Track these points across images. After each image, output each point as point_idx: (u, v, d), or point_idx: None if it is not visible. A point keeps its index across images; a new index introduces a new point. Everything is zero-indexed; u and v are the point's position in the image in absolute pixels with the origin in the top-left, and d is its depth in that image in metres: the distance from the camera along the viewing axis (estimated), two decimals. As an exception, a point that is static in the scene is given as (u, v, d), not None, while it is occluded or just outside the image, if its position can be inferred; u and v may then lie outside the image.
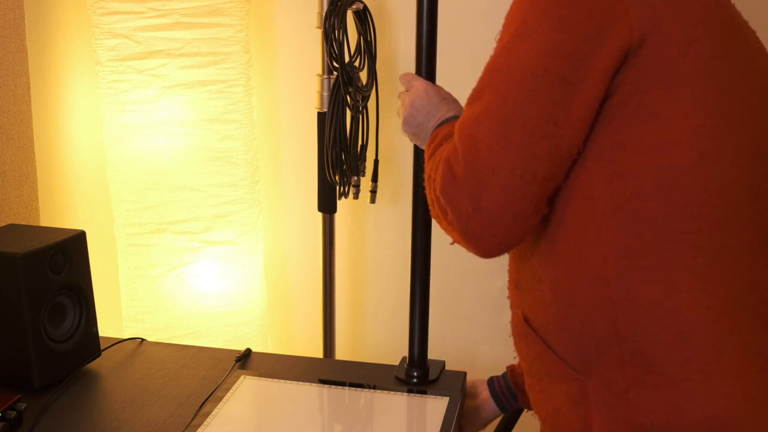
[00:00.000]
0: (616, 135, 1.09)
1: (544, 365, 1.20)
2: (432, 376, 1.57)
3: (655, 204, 1.08)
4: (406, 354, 1.59)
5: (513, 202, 1.05)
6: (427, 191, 1.21)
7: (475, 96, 1.12)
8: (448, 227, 1.13)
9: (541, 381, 1.22)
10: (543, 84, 1.05)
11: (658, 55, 1.08)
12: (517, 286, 1.24)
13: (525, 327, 1.22)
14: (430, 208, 1.19)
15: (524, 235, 1.10)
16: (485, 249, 1.10)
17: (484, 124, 1.07)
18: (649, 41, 1.07)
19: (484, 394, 1.58)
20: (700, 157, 1.08)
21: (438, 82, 1.44)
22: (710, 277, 1.08)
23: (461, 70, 2.08)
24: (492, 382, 1.59)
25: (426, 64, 1.43)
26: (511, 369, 1.57)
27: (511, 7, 1.15)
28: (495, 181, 1.05)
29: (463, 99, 1.40)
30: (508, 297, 1.29)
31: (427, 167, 1.22)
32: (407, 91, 1.37)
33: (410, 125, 1.34)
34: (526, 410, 1.61)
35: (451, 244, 1.19)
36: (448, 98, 1.33)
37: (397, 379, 1.57)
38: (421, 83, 1.35)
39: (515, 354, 1.50)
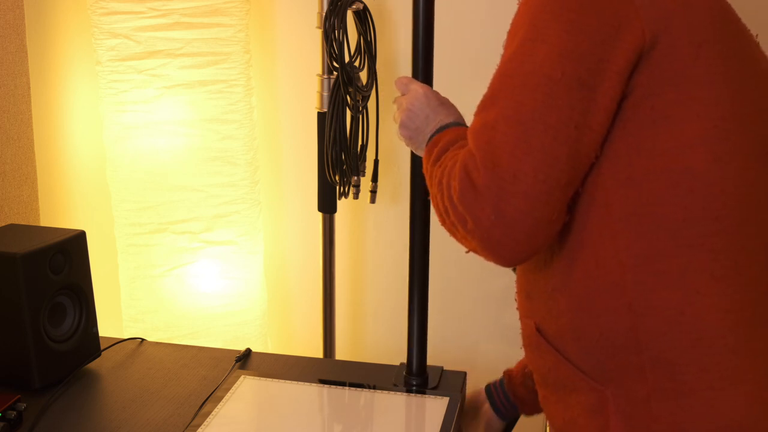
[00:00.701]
0: (630, 139, 1.08)
1: (560, 376, 1.18)
2: (432, 383, 1.56)
3: (672, 208, 1.07)
4: (404, 357, 1.58)
5: (536, 207, 1.03)
6: (435, 199, 1.18)
7: (487, 102, 1.10)
8: (466, 236, 1.10)
9: (557, 392, 1.21)
10: (560, 87, 1.04)
11: (669, 56, 1.07)
12: (528, 296, 1.23)
13: (538, 337, 1.20)
14: (441, 217, 1.16)
15: (546, 243, 1.08)
16: (507, 257, 1.08)
17: (502, 129, 1.05)
18: (661, 42, 1.07)
19: (486, 406, 1.57)
20: (714, 159, 1.07)
21: (435, 85, 1.44)
22: (729, 281, 1.07)
23: (459, 73, 2.08)
24: (491, 393, 1.56)
25: (423, 67, 1.42)
26: (509, 377, 1.56)
27: (517, 13, 1.13)
28: (517, 187, 1.03)
29: (461, 102, 1.40)
30: (517, 308, 1.28)
31: (434, 172, 1.19)
32: (404, 95, 1.36)
33: (407, 128, 1.31)
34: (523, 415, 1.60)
35: (467, 252, 1.17)
36: (446, 103, 1.32)
37: (396, 387, 1.55)
38: (419, 87, 1.34)
39: (515, 354, 1.49)
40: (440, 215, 1.16)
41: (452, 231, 1.15)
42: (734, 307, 1.07)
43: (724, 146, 1.08)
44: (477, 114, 1.12)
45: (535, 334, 1.21)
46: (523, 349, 1.29)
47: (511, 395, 1.54)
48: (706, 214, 1.07)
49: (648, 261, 1.08)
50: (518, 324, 1.33)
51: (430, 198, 1.21)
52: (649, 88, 1.07)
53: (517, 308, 1.29)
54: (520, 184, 1.03)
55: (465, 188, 1.07)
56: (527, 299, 1.23)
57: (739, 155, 1.09)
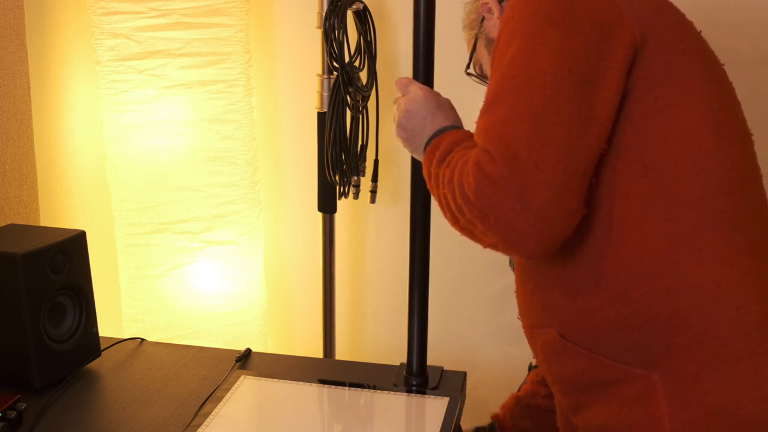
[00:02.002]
0: (640, 129, 1.13)
1: (596, 374, 1.20)
2: (432, 383, 1.55)
3: (691, 188, 1.12)
4: (404, 357, 1.58)
5: (558, 197, 1.05)
6: (444, 199, 1.17)
7: (491, 103, 1.12)
8: (486, 232, 1.10)
9: (593, 391, 1.22)
10: (567, 84, 1.08)
11: (660, 52, 1.14)
12: (546, 306, 1.23)
13: (563, 344, 1.21)
14: (453, 217, 1.16)
15: (566, 235, 1.10)
16: (531, 249, 1.08)
17: (515, 124, 1.07)
18: (650, 40, 1.13)
19: None
20: (717, 140, 1.14)
21: (436, 86, 1.43)
22: (751, 252, 1.14)
23: (460, 73, 2.08)
24: None
25: (423, 67, 1.41)
26: (498, 422, 1.58)
27: (504, 28, 1.16)
28: (540, 177, 1.05)
29: (462, 102, 1.40)
30: (527, 325, 1.28)
31: (441, 173, 1.19)
32: (404, 96, 1.36)
33: (404, 130, 1.32)
34: None
35: (485, 247, 1.17)
36: (444, 106, 1.32)
37: (396, 387, 1.54)
38: (419, 88, 1.34)
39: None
40: (452, 215, 1.16)
41: (468, 229, 1.14)
42: (759, 275, 1.13)
43: (722, 128, 1.15)
44: (481, 116, 1.13)
45: (559, 341, 1.22)
46: (535, 361, 1.29)
47: None
48: (719, 191, 1.13)
49: (680, 241, 1.12)
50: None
51: (437, 199, 1.21)
52: (649, 81, 1.13)
53: (526, 325, 1.29)
54: (542, 174, 1.05)
55: (481, 183, 1.07)
56: (545, 310, 1.24)
57: (734, 137, 1.16)
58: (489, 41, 1.39)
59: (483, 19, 1.39)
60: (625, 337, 1.15)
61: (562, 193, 1.05)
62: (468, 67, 1.45)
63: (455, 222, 1.16)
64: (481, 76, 1.47)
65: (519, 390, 1.66)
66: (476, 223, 1.10)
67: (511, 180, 1.05)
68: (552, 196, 1.05)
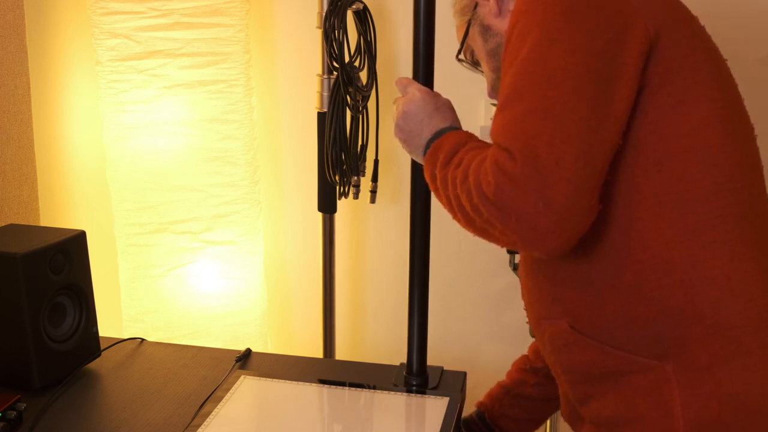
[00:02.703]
0: (654, 125, 1.14)
1: (608, 365, 1.20)
2: (432, 383, 1.55)
3: (703, 183, 1.14)
4: (404, 357, 1.58)
5: (579, 194, 1.06)
6: (455, 200, 1.16)
7: (509, 100, 1.12)
8: (505, 231, 1.09)
9: (605, 382, 1.22)
10: (585, 81, 1.08)
11: (673, 47, 1.15)
12: (556, 299, 1.24)
13: (574, 336, 1.22)
14: (467, 218, 1.15)
15: (584, 231, 1.10)
16: (553, 247, 1.08)
17: (534, 122, 1.08)
18: (663, 36, 1.14)
19: None
20: (725, 135, 1.16)
21: (436, 86, 1.43)
22: (758, 245, 1.16)
23: (461, 73, 2.08)
24: (471, 429, 1.60)
25: (423, 67, 1.41)
26: (489, 412, 1.59)
27: (517, 23, 1.16)
28: (561, 174, 1.05)
29: (462, 102, 1.40)
30: (537, 317, 1.28)
31: (450, 174, 1.18)
32: (403, 96, 1.36)
33: (402, 131, 1.31)
34: None
35: (502, 247, 1.17)
36: (442, 108, 1.31)
37: (396, 387, 1.54)
38: (417, 90, 1.33)
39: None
40: (466, 216, 1.15)
41: (484, 229, 1.13)
42: (763, 269, 1.16)
43: (730, 125, 1.17)
44: (499, 112, 1.13)
45: (570, 332, 1.22)
46: (539, 351, 1.29)
47: (496, 429, 1.59)
48: (730, 185, 1.15)
49: (694, 234, 1.14)
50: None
51: (444, 202, 1.20)
52: (662, 77, 1.14)
53: (533, 317, 1.29)
54: (563, 171, 1.05)
55: (501, 183, 1.07)
56: (555, 302, 1.24)
57: (739, 132, 1.19)
58: (484, 28, 1.37)
59: (476, 5, 1.38)
60: (639, 330, 1.16)
61: (581, 189, 1.06)
62: (459, 53, 1.44)
63: (470, 223, 1.15)
64: (473, 63, 1.46)
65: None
66: (495, 223, 1.09)
67: (533, 178, 1.05)
68: (571, 192, 1.05)
